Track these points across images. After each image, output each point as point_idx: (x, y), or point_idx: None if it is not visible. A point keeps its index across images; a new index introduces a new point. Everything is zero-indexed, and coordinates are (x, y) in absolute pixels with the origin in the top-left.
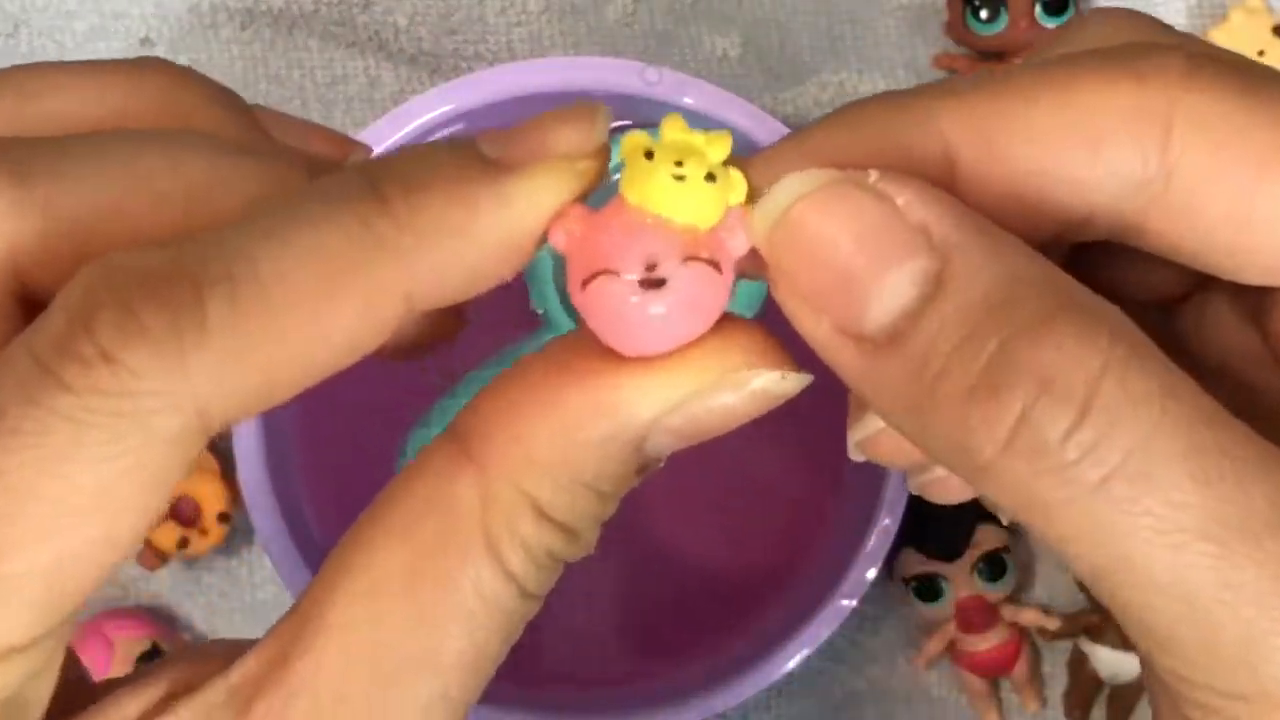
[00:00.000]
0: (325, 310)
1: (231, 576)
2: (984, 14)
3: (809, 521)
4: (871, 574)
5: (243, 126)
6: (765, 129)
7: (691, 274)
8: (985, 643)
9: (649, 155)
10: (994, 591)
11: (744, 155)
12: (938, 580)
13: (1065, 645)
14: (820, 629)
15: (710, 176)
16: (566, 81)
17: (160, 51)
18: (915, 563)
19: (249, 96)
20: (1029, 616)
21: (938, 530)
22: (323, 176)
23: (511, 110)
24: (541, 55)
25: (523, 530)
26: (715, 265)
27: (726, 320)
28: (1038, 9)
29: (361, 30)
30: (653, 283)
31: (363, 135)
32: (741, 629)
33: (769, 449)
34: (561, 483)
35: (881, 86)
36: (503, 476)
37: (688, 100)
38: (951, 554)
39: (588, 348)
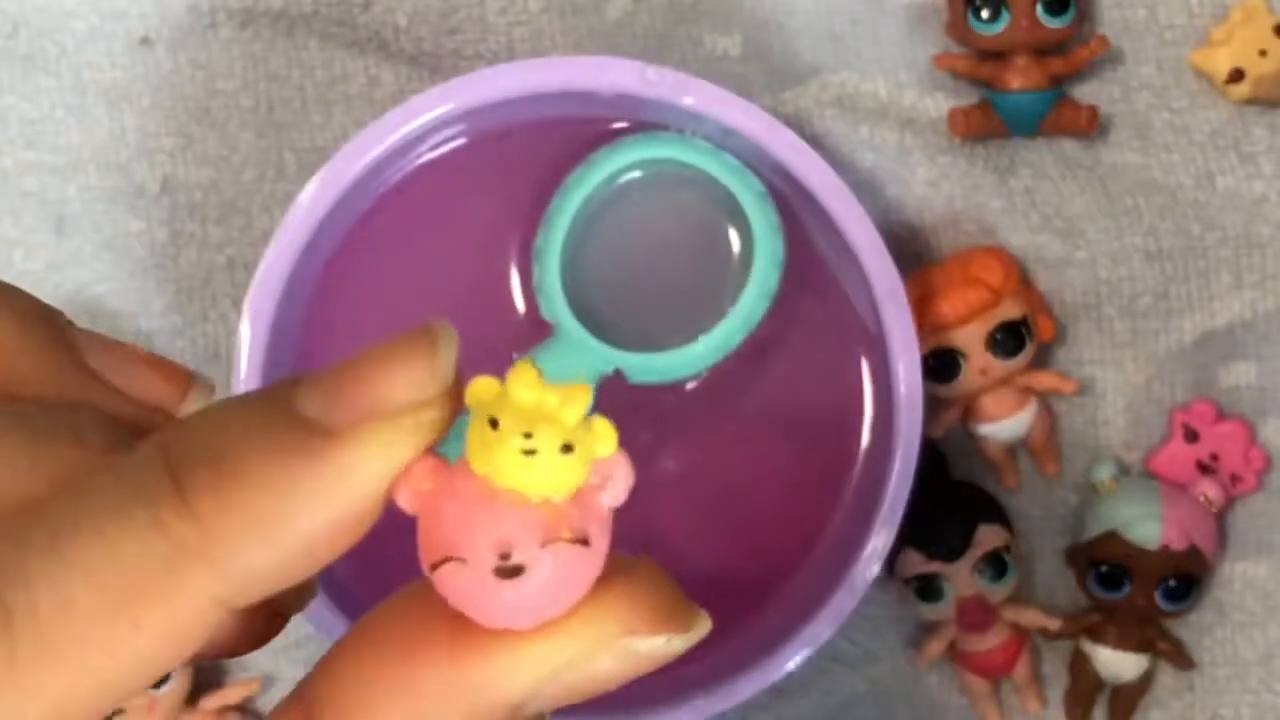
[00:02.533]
0: (120, 637)
1: None
2: (985, 14)
3: (810, 521)
4: (872, 574)
5: (50, 366)
6: (767, 129)
7: (553, 557)
8: (986, 643)
9: (494, 423)
10: (995, 592)
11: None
12: (938, 580)
13: (1065, 646)
14: (820, 629)
15: (567, 446)
16: (566, 81)
17: (160, 51)
18: (916, 562)
19: (249, 96)
20: (1030, 617)
21: (939, 530)
22: (118, 458)
23: (511, 110)
24: (542, 55)
25: None
26: (581, 540)
27: (606, 577)
28: (1039, 9)
29: (362, 30)
30: (507, 572)
31: (363, 135)
32: (741, 629)
33: (770, 448)
34: None
35: (883, 86)
36: None
37: (688, 100)
38: (952, 554)
39: (442, 610)
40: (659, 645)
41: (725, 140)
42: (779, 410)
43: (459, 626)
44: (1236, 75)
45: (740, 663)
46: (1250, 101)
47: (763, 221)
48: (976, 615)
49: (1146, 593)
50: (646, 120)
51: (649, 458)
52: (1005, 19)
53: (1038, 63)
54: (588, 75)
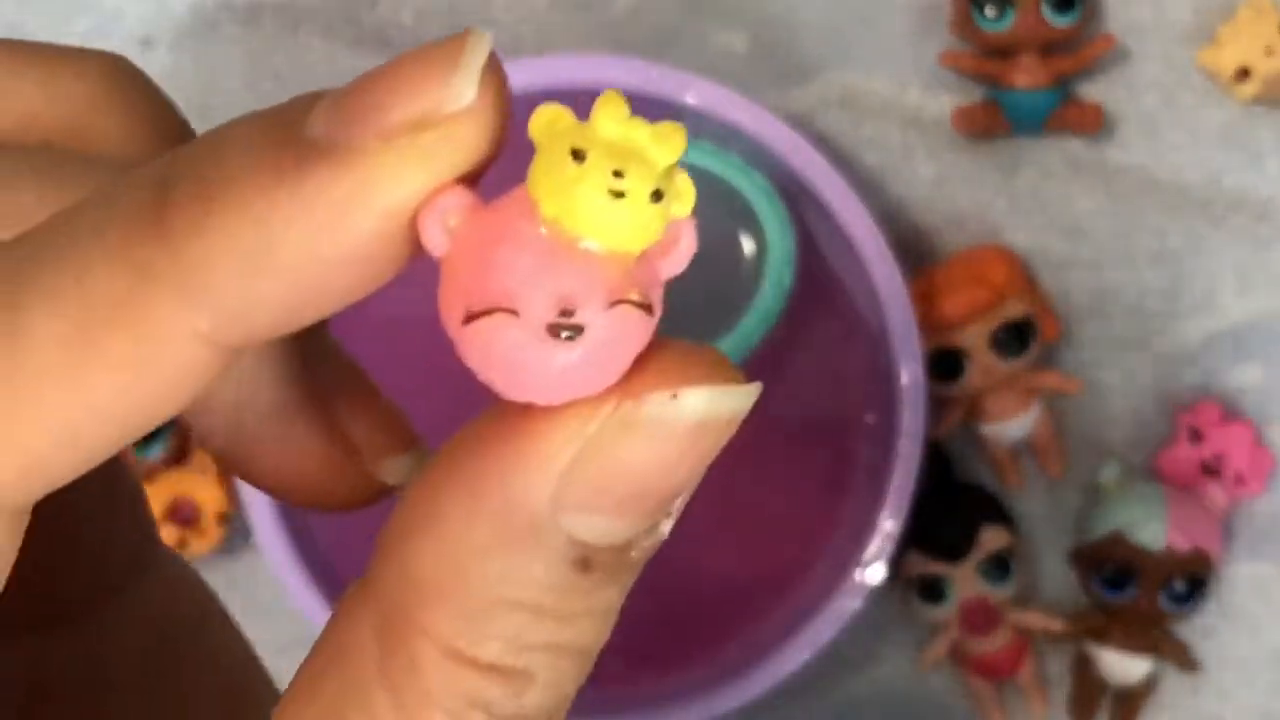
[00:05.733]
0: (86, 370)
1: (230, 577)
2: (990, 11)
3: (813, 522)
4: (876, 575)
5: (137, 136)
6: (770, 129)
7: (617, 321)
8: (990, 645)
9: (577, 155)
10: (998, 593)
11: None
12: (942, 581)
13: (1069, 647)
14: (824, 630)
15: (657, 193)
16: (570, 79)
17: (161, 51)
18: (919, 563)
19: (251, 94)
20: (1034, 619)
21: (942, 530)
22: (116, 179)
23: (515, 108)
24: (548, 51)
25: (435, 685)
26: (646, 306)
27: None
28: (1045, 6)
29: (366, 27)
30: (566, 330)
31: None
32: (744, 631)
33: (774, 449)
34: (471, 609)
35: (889, 85)
36: (397, 613)
37: (691, 99)
38: (956, 555)
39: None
40: (707, 399)
41: (728, 139)
42: (782, 411)
43: (474, 436)
44: (1243, 74)
45: (745, 664)
46: (1257, 100)
47: (773, 219)
48: (980, 617)
49: (1151, 595)
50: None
51: None
52: (1011, 16)
53: (1043, 61)
54: (590, 73)
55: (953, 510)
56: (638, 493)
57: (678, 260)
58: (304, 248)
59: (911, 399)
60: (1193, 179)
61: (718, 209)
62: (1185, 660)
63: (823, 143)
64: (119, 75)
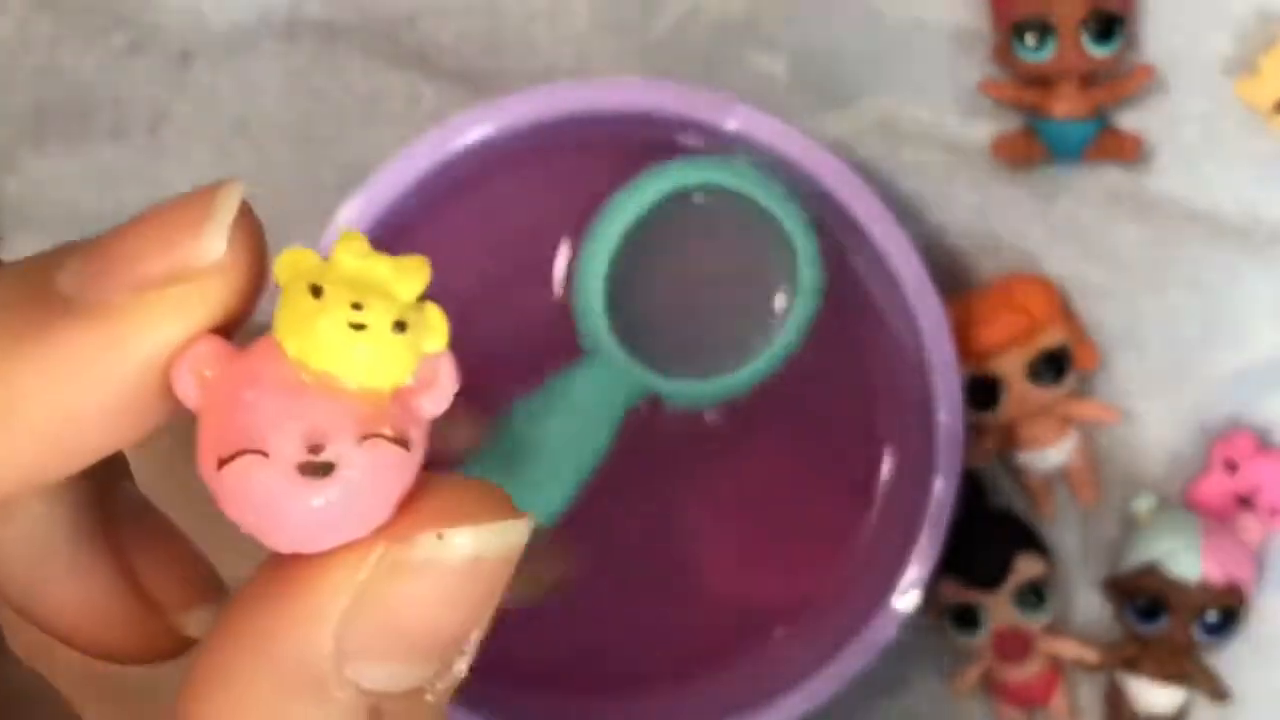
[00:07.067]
0: None
1: None
2: (1031, 40)
3: (847, 548)
4: (910, 604)
5: None
6: (809, 154)
7: (370, 457)
8: (1022, 673)
9: (315, 291)
10: (1032, 621)
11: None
12: (976, 609)
13: (1101, 677)
14: (857, 659)
15: (400, 324)
16: (609, 103)
17: (198, 67)
18: (953, 591)
19: (289, 111)
20: (1067, 647)
21: (977, 559)
22: None
23: (553, 131)
24: (586, 74)
25: None
26: (402, 442)
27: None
28: (1085, 37)
29: (405, 46)
30: (316, 468)
31: (404, 153)
32: (777, 656)
33: (807, 475)
34: None
35: (928, 111)
36: None
37: (731, 124)
38: (990, 583)
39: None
40: (486, 536)
41: (767, 164)
42: (816, 437)
43: (256, 590)
44: None
45: (774, 691)
46: None
47: (806, 250)
48: (1013, 645)
49: (1183, 625)
50: (688, 142)
51: (680, 486)
52: (1051, 46)
53: (1083, 90)
54: (630, 97)
55: (987, 538)
56: (421, 636)
57: (439, 397)
58: (52, 403)
59: (948, 426)
60: (1230, 210)
61: (754, 234)
62: (1216, 690)
63: (860, 168)
64: None
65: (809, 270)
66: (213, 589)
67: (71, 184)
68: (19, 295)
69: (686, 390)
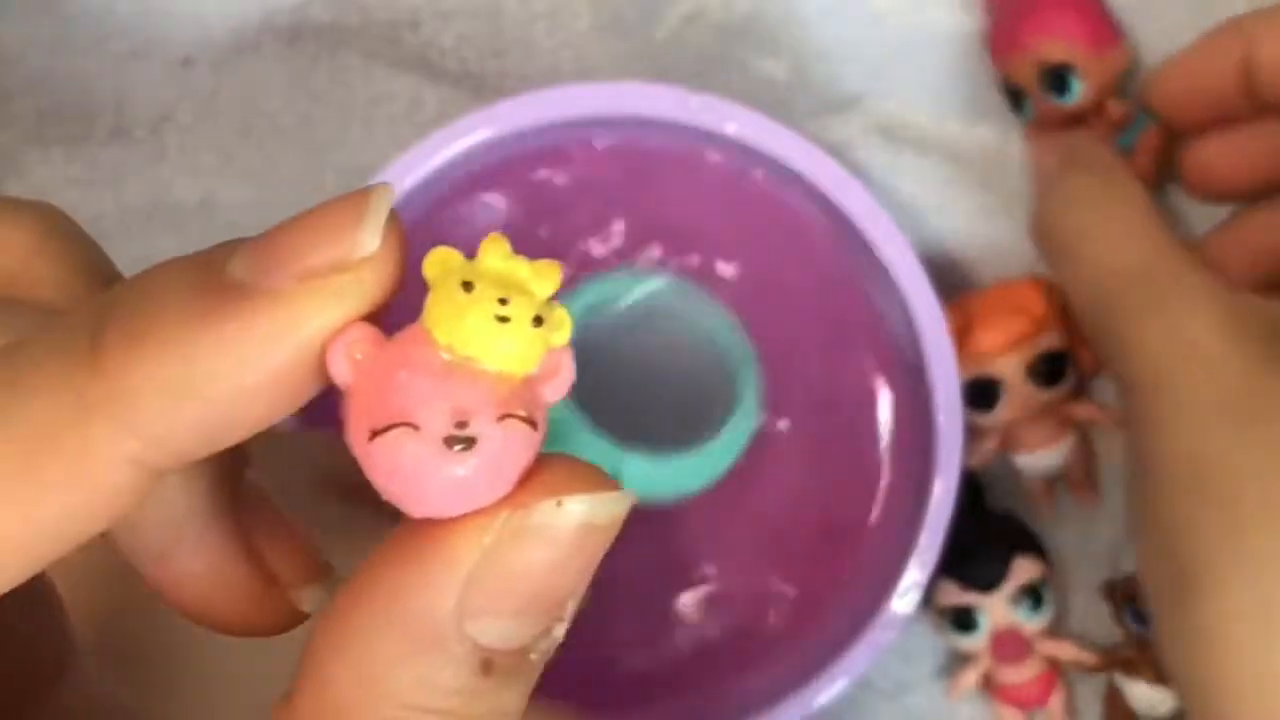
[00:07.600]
0: (27, 490)
1: None
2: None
3: (846, 551)
4: (910, 607)
5: (63, 281)
6: (809, 158)
7: (506, 434)
8: (1021, 675)
9: (466, 286)
10: (1031, 623)
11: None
12: (974, 611)
13: (1099, 679)
14: (856, 662)
15: (538, 319)
16: (610, 107)
17: (201, 71)
18: (951, 593)
19: (292, 115)
20: (1066, 650)
21: (975, 560)
22: (53, 322)
23: (554, 134)
24: (588, 77)
25: None
26: (531, 422)
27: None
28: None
29: (407, 49)
30: (461, 441)
31: (403, 157)
32: (776, 660)
33: (806, 478)
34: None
35: (929, 116)
36: None
37: (730, 128)
38: (989, 585)
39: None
40: (592, 505)
41: (773, 170)
42: (815, 439)
43: (388, 552)
44: None
45: (774, 694)
46: None
47: (747, 385)
48: (1012, 647)
49: None
50: (688, 144)
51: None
52: (1078, 90)
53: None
54: (628, 101)
55: (985, 540)
56: (533, 596)
57: (559, 386)
58: (227, 379)
59: (948, 428)
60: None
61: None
62: None
63: (861, 171)
64: (53, 225)
65: (747, 403)
66: (324, 570)
67: (74, 186)
68: (196, 282)
69: (650, 477)
